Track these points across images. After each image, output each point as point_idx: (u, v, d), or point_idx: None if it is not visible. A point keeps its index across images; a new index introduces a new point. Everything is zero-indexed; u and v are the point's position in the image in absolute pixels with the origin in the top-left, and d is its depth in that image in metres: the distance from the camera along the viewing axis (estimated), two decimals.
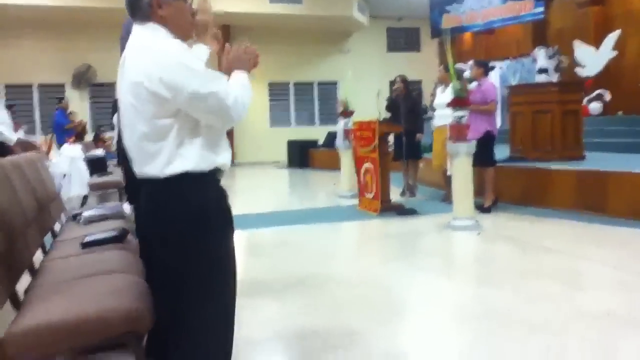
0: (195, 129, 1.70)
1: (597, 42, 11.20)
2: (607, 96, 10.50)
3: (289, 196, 9.69)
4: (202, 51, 1.80)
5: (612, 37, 10.76)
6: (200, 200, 1.71)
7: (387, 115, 7.63)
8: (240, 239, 5.60)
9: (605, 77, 11.01)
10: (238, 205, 7.77)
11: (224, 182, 1.85)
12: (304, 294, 3.59)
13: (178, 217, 1.69)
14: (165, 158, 1.68)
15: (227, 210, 1.84)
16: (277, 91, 16.73)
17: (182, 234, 1.70)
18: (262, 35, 14.99)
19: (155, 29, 1.74)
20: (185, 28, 1.82)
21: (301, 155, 13.86)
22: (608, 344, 2.61)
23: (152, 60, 1.64)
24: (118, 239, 2.84)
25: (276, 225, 6.03)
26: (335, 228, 6.00)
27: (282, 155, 14.77)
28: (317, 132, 15.14)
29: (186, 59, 1.66)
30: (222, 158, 1.78)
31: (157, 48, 1.67)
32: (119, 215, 3.64)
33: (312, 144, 14.22)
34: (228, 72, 1.80)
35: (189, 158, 1.68)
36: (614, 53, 10.74)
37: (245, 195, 9.53)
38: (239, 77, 1.78)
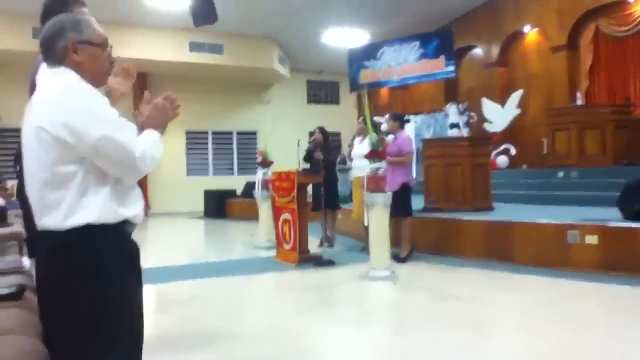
0: (101, 178, 1.58)
1: (502, 100, 12.01)
2: (513, 150, 11.18)
3: (204, 247, 9.37)
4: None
5: (515, 96, 11.58)
6: (101, 253, 1.57)
7: (306, 165, 7.66)
8: (149, 293, 5.30)
9: (511, 133, 11.77)
10: (150, 258, 7.38)
11: (135, 235, 1.70)
12: (212, 352, 3.39)
13: (76, 270, 1.54)
14: (65, 209, 1.54)
15: (133, 264, 1.70)
16: (195, 140, 16.48)
17: (79, 288, 1.54)
18: (181, 83, 14.85)
19: (66, 73, 1.64)
20: (100, 75, 1.75)
21: (218, 205, 13.56)
22: None
23: (57, 103, 1.54)
24: (14, 295, 2.54)
25: (189, 279, 5.74)
26: (250, 280, 5.81)
27: (199, 205, 14.40)
28: (235, 182, 14.97)
29: (95, 104, 1.57)
30: (131, 210, 1.66)
31: (65, 91, 1.57)
32: (17, 270, 3.29)
33: (230, 193, 14.00)
34: (142, 127, 1.71)
35: (92, 209, 1.56)
36: (518, 111, 11.53)
37: (158, 247, 9.12)
38: (151, 134, 1.69)
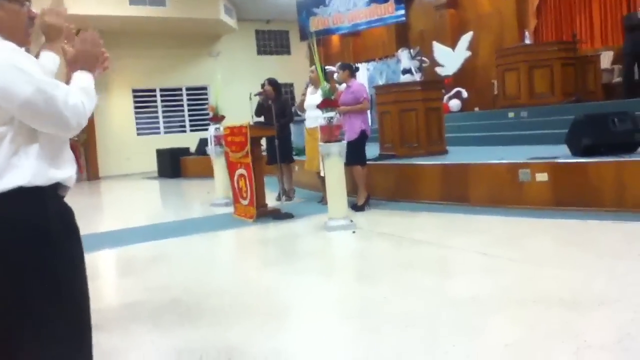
0: (31, 138, 1.47)
1: (453, 44, 11.97)
2: (465, 93, 11.25)
3: (161, 208, 9.18)
4: (50, 60, 1.62)
5: (465, 38, 11.55)
6: (37, 218, 1.46)
7: (259, 119, 7.48)
8: (108, 258, 5.18)
9: (462, 76, 11.81)
10: (106, 221, 7.22)
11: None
12: (179, 311, 3.34)
13: (11, 238, 1.42)
14: None
15: (71, 228, 1.58)
16: (142, 98, 15.92)
17: (17, 257, 1.42)
18: (124, 39, 14.19)
19: None
20: (20, 34, 1.60)
21: (172, 164, 13.19)
22: (475, 328, 2.68)
23: None
24: None
25: (147, 241, 5.61)
26: (211, 238, 5.73)
27: (152, 165, 14.04)
28: (188, 139, 14.62)
29: (18, 61, 1.43)
30: (64, 172, 1.55)
31: None
32: None
33: (184, 151, 13.63)
34: (72, 68, 1.60)
35: (23, 171, 1.45)
36: (469, 53, 11.54)
37: (112, 211, 8.91)
38: (82, 78, 1.58)
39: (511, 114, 8.87)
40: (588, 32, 10.71)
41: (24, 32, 1.62)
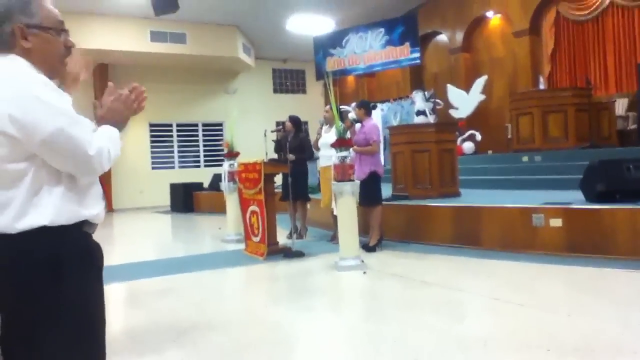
0: (55, 176, 1.45)
1: (467, 86, 12.09)
2: (478, 136, 11.29)
3: (171, 243, 9.19)
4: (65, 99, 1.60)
5: (480, 82, 11.67)
6: (58, 257, 1.44)
7: (274, 156, 7.55)
8: (118, 291, 5.17)
9: (476, 119, 11.87)
10: (117, 255, 7.21)
11: (101, 232, 1.60)
12: (186, 346, 3.32)
13: (29, 271, 1.41)
14: (16, 209, 1.40)
15: (93, 263, 1.57)
16: (159, 132, 16.17)
17: (34, 288, 1.42)
18: (143, 73, 14.53)
19: (14, 60, 1.47)
20: (54, 64, 1.57)
21: (185, 199, 13.31)
22: None
23: (3, 94, 1.37)
24: None
25: (157, 275, 5.62)
26: (220, 274, 5.72)
27: (166, 199, 14.16)
28: (202, 175, 14.76)
29: (46, 94, 1.41)
30: (90, 210, 1.53)
31: (12, 80, 1.41)
32: None
33: (197, 186, 13.76)
34: (101, 121, 1.60)
35: (46, 209, 1.42)
36: (483, 96, 11.63)
37: (124, 244, 8.94)
38: (109, 129, 1.58)
39: (525, 158, 8.86)
40: (602, 78, 10.79)
41: (59, 63, 1.59)
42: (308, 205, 7.90)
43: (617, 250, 4.99)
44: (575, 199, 5.64)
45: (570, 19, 11.30)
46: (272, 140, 9.03)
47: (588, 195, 5.58)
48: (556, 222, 5.38)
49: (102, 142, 1.49)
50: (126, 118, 1.65)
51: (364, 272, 5.18)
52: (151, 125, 15.92)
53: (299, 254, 6.14)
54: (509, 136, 10.37)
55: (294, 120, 7.57)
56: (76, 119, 1.45)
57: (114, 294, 5.09)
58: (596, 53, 10.95)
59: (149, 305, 4.49)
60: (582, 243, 5.21)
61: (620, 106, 9.54)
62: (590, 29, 11.04)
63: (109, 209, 14.51)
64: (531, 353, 2.88)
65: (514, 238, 5.66)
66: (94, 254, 1.58)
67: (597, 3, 10.74)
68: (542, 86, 10.34)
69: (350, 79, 17.18)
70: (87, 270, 1.55)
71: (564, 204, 5.47)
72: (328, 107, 6.62)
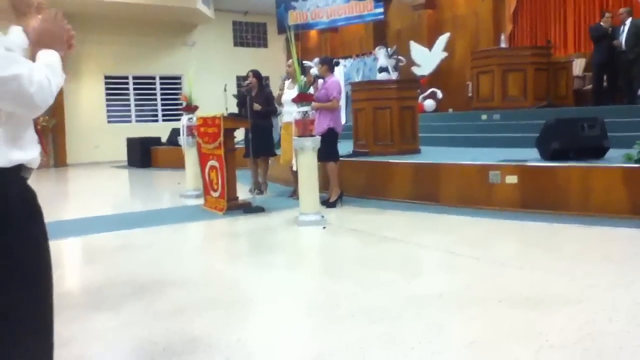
0: None
1: (430, 44, 12.06)
2: (440, 94, 11.34)
3: (128, 198, 9.01)
4: (20, 35, 1.52)
5: (442, 39, 11.64)
6: (2, 198, 1.40)
7: (234, 110, 7.41)
8: (72, 246, 5.06)
9: (438, 77, 11.91)
10: (71, 210, 7.05)
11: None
12: (143, 301, 3.27)
13: None
14: None
15: (33, 209, 1.52)
16: (115, 85, 15.61)
17: None
18: (97, 24, 13.91)
19: None
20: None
21: (143, 154, 12.97)
22: (440, 325, 2.70)
23: None
24: None
25: (114, 230, 5.51)
26: (179, 229, 5.65)
27: (122, 154, 13.79)
28: (160, 129, 14.37)
29: None
30: (27, 154, 1.49)
31: None
32: None
33: (155, 141, 13.41)
34: (36, 46, 1.51)
35: None
36: (445, 54, 11.63)
37: (80, 199, 8.72)
38: (48, 56, 1.50)
39: (484, 116, 8.97)
40: (562, 38, 10.93)
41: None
42: (270, 161, 7.84)
43: (568, 206, 5.15)
44: (531, 157, 5.76)
45: None
46: (232, 95, 8.84)
47: (543, 154, 5.70)
48: (512, 179, 5.50)
49: (41, 73, 1.41)
50: (61, 39, 1.57)
51: (324, 228, 5.20)
52: (106, 77, 15.35)
53: (259, 210, 6.12)
54: (470, 94, 10.46)
55: (257, 74, 7.42)
56: (12, 58, 1.37)
57: (69, 249, 4.97)
58: (557, 13, 11.04)
59: (104, 261, 4.41)
60: (535, 200, 5.35)
61: (579, 66, 9.71)
62: None
63: (62, 163, 14.08)
64: (484, 305, 2.96)
65: (471, 194, 5.77)
66: (35, 198, 1.54)
67: None
68: (503, 45, 10.39)
69: (313, 33, 16.88)
70: (32, 212, 1.52)
71: (520, 162, 5.59)
72: (290, 62, 6.48)
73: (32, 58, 1.53)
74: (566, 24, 10.89)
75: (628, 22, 8.23)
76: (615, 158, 5.35)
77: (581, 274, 3.45)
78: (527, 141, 6.49)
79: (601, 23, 8.80)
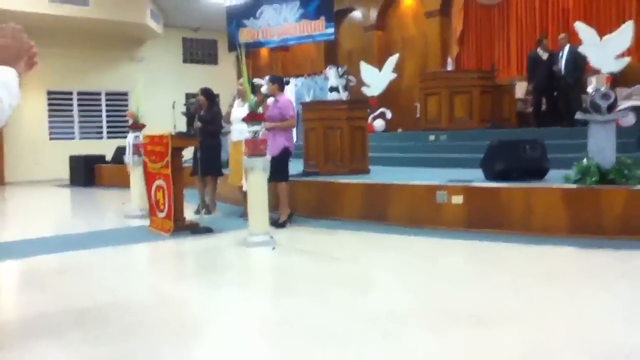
0: None
1: (380, 64, 12.26)
2: (389, 114, 11.52)
3: (71, 218, 8.67)
4: None
5: (392, 60, 11.86)
6: None
7: (183, 129, 7.29)
8: (10, 269, 4.80)
9: (387, 97, 12.10)
10: (10, 231, 6.71)
11: None
12: (87, 326, 3.12)
13: None
14: None
15: None
16: (58, 100, 15.09)
17: None
18: (41, 37, 13.28)
19: None
20: None
21: (86, 172, 12.56)
22: (389, 342, 2.71)
23: None
24: None
25: (56, 252, 5.26)
26: (123, 251, 5.45)
27: (65, 172, 13.29)
28: (105, 146, 13.96)
29: None
30: None
31: None
32: None
33: (99, 159, 13.02)
34: None
35: None
36: (394, 75, 11.85)
37: (18, 219, 8.33)
38: (2, 73, 1.41)
39: (432, 137, 9.17)
40: (505, 61, 11.35)
41: None
42: (218, 180, 7.72)
43: (512, 225, 5.30)
44: (476, 177, 5.90)
45: (478, 2, 11.74)
46: (181, 113, 8.70)
47: (488, 174, 5.86)
48: (458, 200, 5.62)
49: None
50: (18, 56, 1.48)
51: (273, 248, 5.14)
52: (49, 92, 14.83)
53: (207, 230, 6.00)
54: (418, 115, 10.67)
55: (207, 93, 7.34)
56: None
57: (6, 272, 4.72)
58: (501, 37, 11.48)
59: (45, 284, 4.19)
60: (481, 219, 5.48)
61: (521, 89, 10.09)
62: (496, 13, 11.54)
63: (0, 181, 13.45)
64: (432, 322, 3.01)
65: (420, 214, 5.85)
66: None
67: None
68: (450, 67, 10.69)
69: (264, 51, 16.90)
70: None
71: (465, 182, 5.71)
72: (241, 80, 6.44)
73: None
74: (509, 47, 11.33)
75: (567, 48, 8.62)
76: (555, 179, 5.55)
77: (524, 291, 3.55)
78: (473, 162, 6.66)
79: (538, 50, 9.19)
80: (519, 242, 4.95)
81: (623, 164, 5.07)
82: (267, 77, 6.81)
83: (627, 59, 8.17)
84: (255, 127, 5.43)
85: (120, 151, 10.86)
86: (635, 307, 3.21)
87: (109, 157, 12.97)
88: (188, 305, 3.56)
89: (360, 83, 12.23)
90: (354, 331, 2.90)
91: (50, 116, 14.95)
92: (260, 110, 5.72)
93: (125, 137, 7.99)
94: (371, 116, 10.96)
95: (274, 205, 6.06)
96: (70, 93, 15.28)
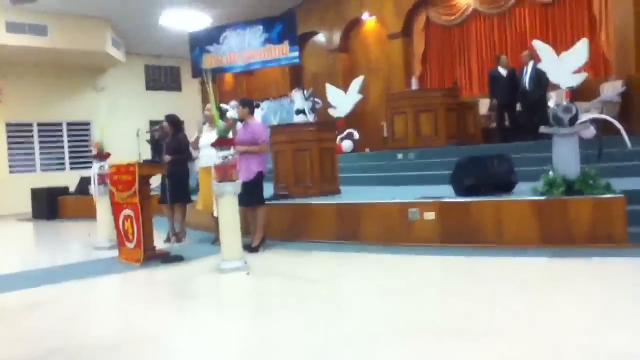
0: None
1: (345, 86, 12.39)
2: (356, 134, 11.61)
3: (34, 252, 8.35)
4: None
5: (357, 82, 12.01)
6: None
7: (148, 157, 7.17)
8: None
9: (354, 118, 12.22)
10: None
11: None
12: None
13: None
14: None
15: None
16: (17, 132, 14.69)
17: None
18: None
19: None
20: None
21: (49, 205, 12.20)
22: (370, 357, 2.74)
23: None
24: None
25: (19, 288, 5.05)
26: (91, 284, 5.26)
27: (26, 205, 12.85)
28: (67, 178, 13.60)
29: None
30: None
31: None
32: None
33: (62, 191, 12.66)
34: None
35: None
36: (360, 96, 11.98)
37: None
38: None
39: (400, 155, 9.26)
40: (467, 79, 11.62)
41: None
42: (187, 207, 7.59)
43: (484, 239, 5.35)
44: (446, 193, 5.96)
45: (439, 23, 12.03)
46: (146, 141, 8.57)
47: (457, 189, 5.92)
48: (430, 216, 5.65)
49: None
50: None
51: (247, 273, 5.06)
52: (8, 125, 14.43)
53: (178, 259, 5.86)
54: (385, 134, 10.78)
55: (172, 120, 7.26)
56: None
57: None
58: (462, 56, 11.77)
59: (8, 323, 4.00)
60: (453, 234, 5.52)
61: (484, 106, 10.31)
62: (456, 33, 11.84)
63: None
64: (409, 336, 3.04)
65: (392, 232, 5.86)
66: None
67: (462, 9, 11.53)
68: (414, 86, 10.87)
69: (229, 76, 16.89)
70: None
71: (436, 198, 5.76)
72: (209, 105, 6.38)
73: None
74: (470, 66, 11.61)
75: (530, 64, 8.86)
76: (523, 191, 5.65)
77: (499, 303, 3.59)
78: (442, 178, 6.73)
79: (498, 67, 9.43)
80: (492, 254, 5.00)
81: (587, 174, 5.19)
82: (232, 102, 6.78)
83: (584, 74, 8.45)
84: (225, 152, 5.37)
85: (84, 182, 10.62)
86: (611, 313, 3.25)
87: (72, 189, 12.64)
88: (163, 336, 3.46)
89: (327, 105, 12.32)
90: (332, 352, 2.89)
91: (10, 148, 14.53)
92: (230, 135, 5.67)
93: (89, 167, 7.81)
94: (339, 137, 11.02)
95: (245, 230, 5.97)
96: (31, 124, 14.90)
